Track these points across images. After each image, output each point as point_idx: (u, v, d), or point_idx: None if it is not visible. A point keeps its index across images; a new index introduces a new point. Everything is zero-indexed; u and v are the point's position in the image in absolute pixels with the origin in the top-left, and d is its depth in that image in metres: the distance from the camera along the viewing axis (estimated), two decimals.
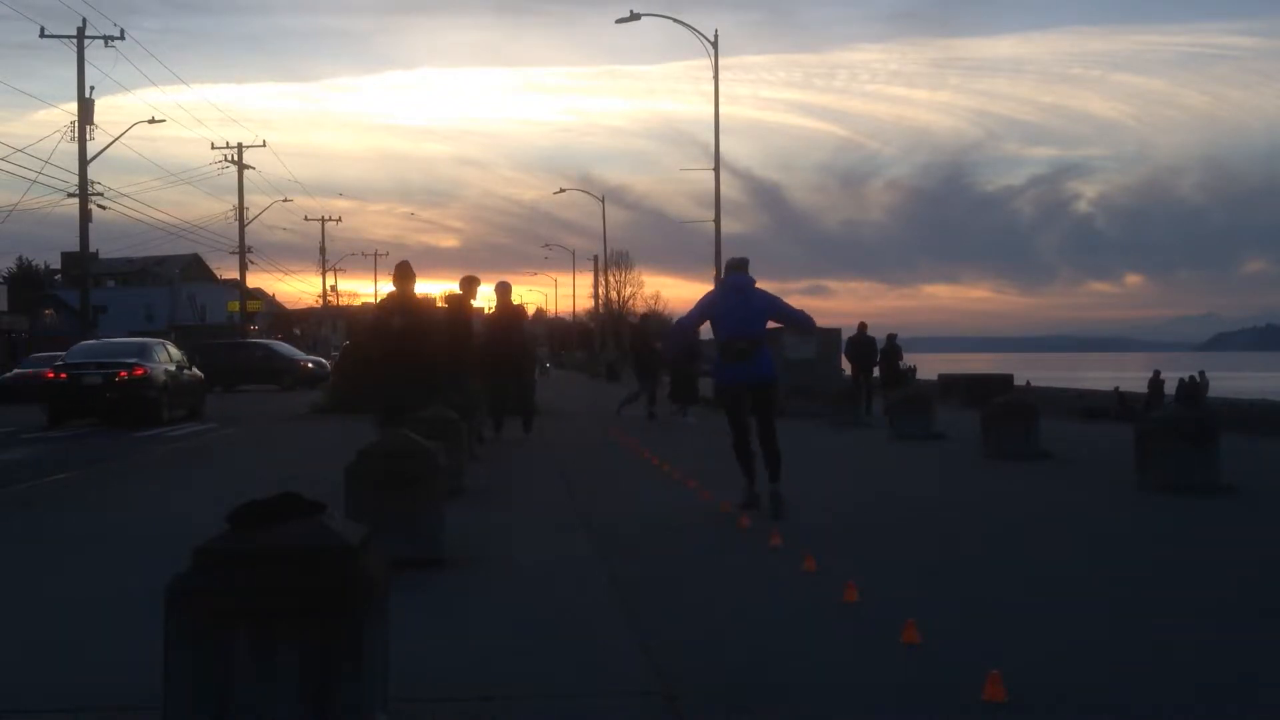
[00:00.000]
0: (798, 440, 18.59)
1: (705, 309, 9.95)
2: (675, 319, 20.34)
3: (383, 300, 12.81)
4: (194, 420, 24.72)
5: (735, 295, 9.54)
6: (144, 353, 24.65)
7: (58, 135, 40.84)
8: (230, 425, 23.18)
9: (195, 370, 26.97)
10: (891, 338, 28.51)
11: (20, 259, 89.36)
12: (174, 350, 26.63)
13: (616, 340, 64.27)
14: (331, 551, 3.31)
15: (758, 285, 9.72)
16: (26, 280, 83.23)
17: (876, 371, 27.76)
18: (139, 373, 23.61)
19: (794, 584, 6.56)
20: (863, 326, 27.61)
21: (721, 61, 33.58)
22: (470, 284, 16.95)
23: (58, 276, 79.78)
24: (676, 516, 9.47)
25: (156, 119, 54.71)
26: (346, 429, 17.72)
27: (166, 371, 24.61)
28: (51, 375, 24.22)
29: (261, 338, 61.48)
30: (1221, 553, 7.80)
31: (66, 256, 46.80)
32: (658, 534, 8.63)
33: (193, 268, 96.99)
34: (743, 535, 8.32)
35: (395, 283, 12.41)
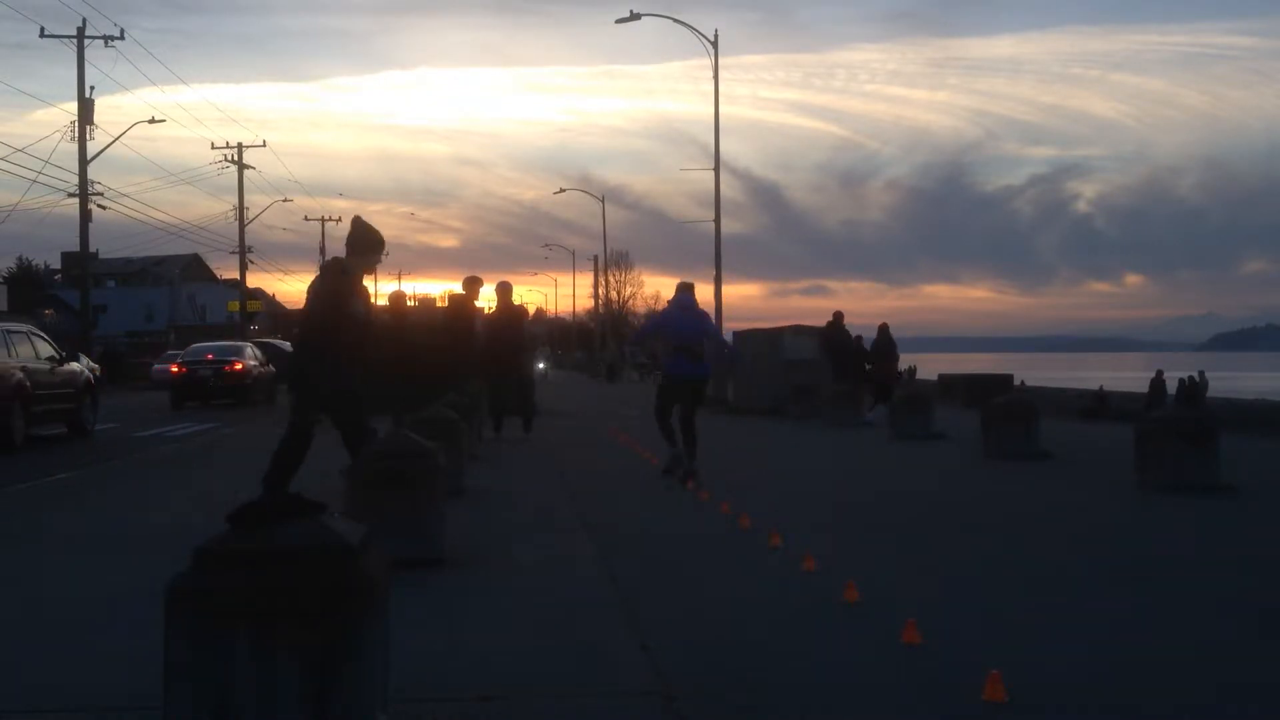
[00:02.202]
0: (798, 440, 18.61)
1: (662, 321, 12.90)
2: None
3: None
4: (269, 404, 30.89)
5: (684, 311, 12.25)
6: (239, 353, 32.64)
7: (58, 135, 40.84)
8: (231, 425, 23.19)
9: (270, 367, 33.91)
10: (884, 329, 27.58)
11: (20, 259, 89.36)
12: (258, 350, 34.34)
13: (617, 341, 64.27)
14: (331, 551, 3.31)
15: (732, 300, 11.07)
16: (26, 280, 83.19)
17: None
18: (238, 367, 31.38)
19: (794, 584, 6.56)
20: (839, 316, 26.76)
21: (721, 61, 33.62)
22: (473, 284, 16.94)
23: (58, 276, 79.75)
24: (677, 516, 9.48)
25: (156, 119, 54.70)
26: None
27: (254, 367, 32.26)
28: (175, 369, 32.06)
29: (261, 338, 61.77)
30: (1221, 552, 7.80)
31: (66, 256, 46.77)
32: (657, 533, 8.63)
33: (193, 268, 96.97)
34: (743, 535, 8.32)
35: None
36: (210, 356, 31.84)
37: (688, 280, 12.64)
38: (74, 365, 20.24)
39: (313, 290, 9.22)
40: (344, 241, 9.17)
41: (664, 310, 13.08)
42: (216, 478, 12.71)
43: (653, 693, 4.50)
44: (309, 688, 3.19)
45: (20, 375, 17.81)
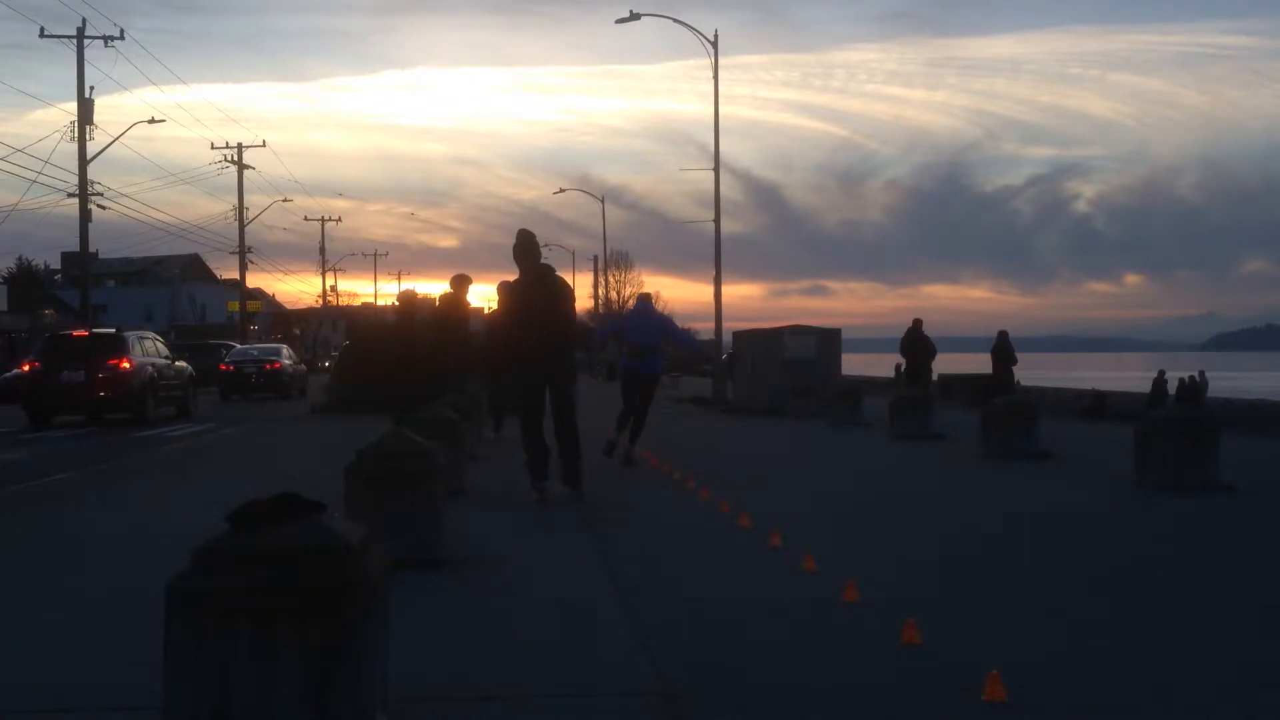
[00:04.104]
0: (798, 440, 18.60)
1: (621, 323, 15.39)
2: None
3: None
4: (303, 396, 35.63)
5: (641, 316, 14.38)
6: (278, 353, 39.40)
7: (58, 135, 40.80)
8: (230, 426, 23.19)
9: (302, 365, 41.10)
10: (1003, 335, 26.47)
11: (20, 259, 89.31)
12: (292, 351, 41.88)
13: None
14: (331, 551, 3.31)
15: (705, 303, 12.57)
16: (26, 280, 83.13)
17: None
18: (276, 366, 37.34)
19: (794, 584, 6.56)
20: (918, 323, 26.06)
21: (720, 61, 33.56)
22: (461, 282, 16.93)
23: (58, 276, 79.75)
24: (676, 516, 9.47)
25: (156, 119, 54.70)
26: (346, 429, 17.72)
27: (290, 364, 38.71)
28: (224, 368, 37.17)
29: (261, 338, 62.24)
30: (1220, 552, 7.80)
31: (66, 256, 46.81)
32: (657, 533, 8.63)
33: (193, 268, 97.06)
34: (743, 534, 8.32)
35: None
36: (254, 358, 38.53)
37: (648, 292, 15.20)
38: (181, 363, 26.77)
39: (558, 295, 10.32)
40: (527, 252, 10.22)
41: (625, 316, 15.90)
42: (216, 478, 12.71)
43: (653, 693, 4.50)
44: (309, 688, 3.19)
45: (151, 369, 24.07)
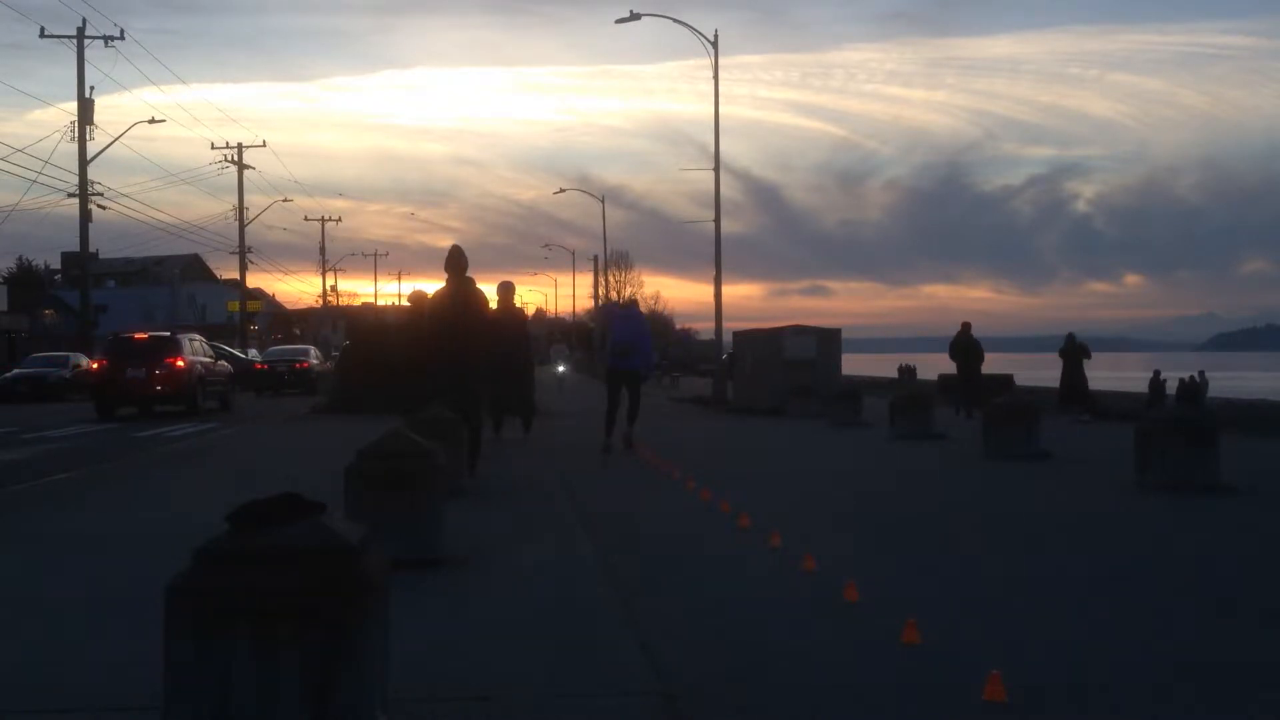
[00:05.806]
0: (798, 440, 18.60)
1: (612, 325, 16.86)
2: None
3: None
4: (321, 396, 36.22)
5: (626, 320, 16.33)
6: (306, 354, 43.72)
7: (58, 135, 40.87)
8: (231, 425, 23.20)
9: (327, 364, 43.88)
10: (1071, 337, 26.53)
11: (20, 259, 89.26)
12: (318, 351, 46.41)
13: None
14: (331, 551, 3.30)
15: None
16: (26, 280, 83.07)
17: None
18: (305, 365, 41.52)
19: (794, 584, 6.56)
20: (966, 326, 26.15)
21: (719, 61, 33.53)
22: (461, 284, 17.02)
23: (58, 276, 79.73)
24: (676, 516, 9.47)
25: (156, 119, 54.68)
26: (346, 429, 17.72)
27: (316, 364, 42.21)
28: (258, 366, 41.91)
29: (261, 338, 62.50)
30: (1221, 552, 7.80)
31: (66, 256, 46.81)
32: (657, 533, 8.63)
33: (193, 268, 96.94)
34: (743, 535, 8.32)
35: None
36: (285, 358, 42.84)
37: (633, 297, 18.48)
38: (223, 362, 30.72)
39: (485, 308, 11.90)
40: (453, 265, 11.58)
41: (613, 319, 17.60)
42: (216, 478, 12.71)
43: (653, 693, 4.50)
44: (309, 688, 3.19)
45: (200, 368, 27.45)
